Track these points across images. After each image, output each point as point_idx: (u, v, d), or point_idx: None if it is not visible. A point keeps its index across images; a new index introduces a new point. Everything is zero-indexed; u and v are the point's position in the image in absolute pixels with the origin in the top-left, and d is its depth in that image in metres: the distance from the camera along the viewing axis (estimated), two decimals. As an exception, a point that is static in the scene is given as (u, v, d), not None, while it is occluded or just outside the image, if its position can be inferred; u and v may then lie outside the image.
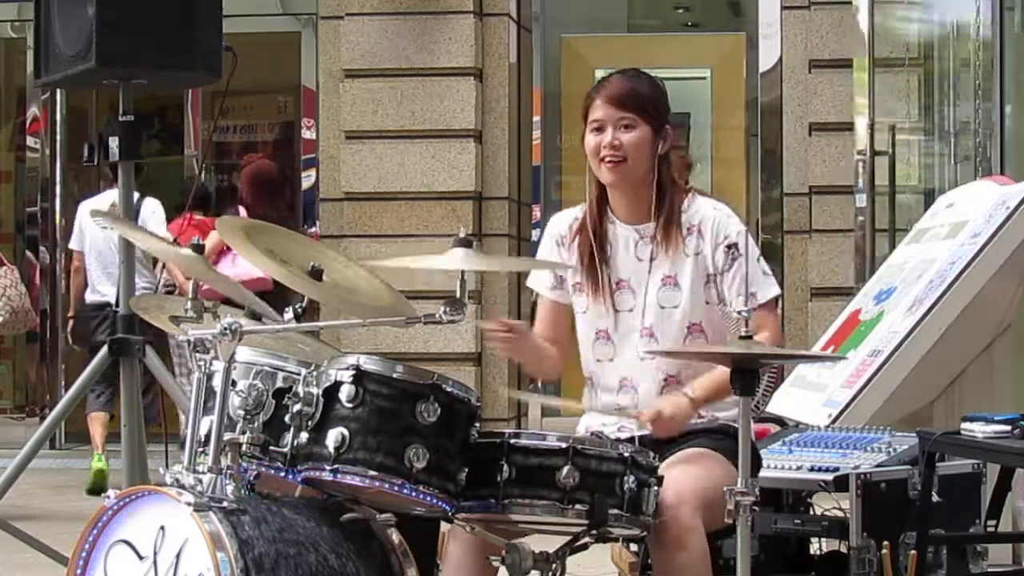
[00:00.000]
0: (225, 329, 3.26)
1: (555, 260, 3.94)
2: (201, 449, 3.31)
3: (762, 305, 3.82)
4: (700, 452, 3.70)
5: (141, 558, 3.18)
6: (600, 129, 3.83)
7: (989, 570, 4.44)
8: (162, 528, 3.16)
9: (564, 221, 3.99)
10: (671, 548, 3.50)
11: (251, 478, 3.36)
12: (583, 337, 3.95)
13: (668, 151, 3.88)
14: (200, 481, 3.22)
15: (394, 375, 3.30)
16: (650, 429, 3.73)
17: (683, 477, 3.58)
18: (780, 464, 4.37)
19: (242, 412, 3.32)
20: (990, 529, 4.34)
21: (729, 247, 3.80)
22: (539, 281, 4.01)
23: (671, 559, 3.51)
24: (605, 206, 3.92)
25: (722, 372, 3.64)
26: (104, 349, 5.14)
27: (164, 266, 7.85)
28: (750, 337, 3.39)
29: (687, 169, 3.98)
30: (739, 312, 3.44)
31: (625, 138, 3.81)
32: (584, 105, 3.90)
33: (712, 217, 3.85)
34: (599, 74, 10.58)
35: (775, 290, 3.87)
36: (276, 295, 6.04)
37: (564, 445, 3.37)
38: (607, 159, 3.82)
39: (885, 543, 4.04)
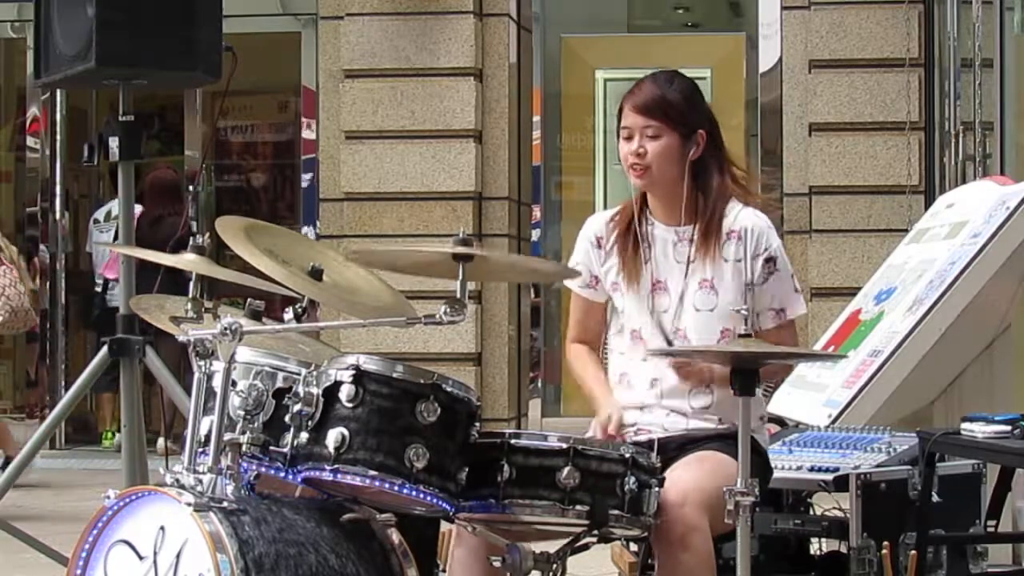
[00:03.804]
0: (225, 329, 3.26)
1: (590, 261, 3.96)
2: (201, 449, 3.31)
3: (788, 322, 3.88)
4: (710, 454, 3.71)
5: (141, 558, 3.18)
6: (629, 137, 3.87)
7: (989, 570, 4.44)
8: (162, 528, 3.16)
9: (600, 221, 4.01)
10: (675, 548, 3.50)
11: (251, 478, 3.36)
12: (615, 336, 3.97)
13: (705, 153, 3.88)
14: (200, 481, 3.22)
15: (394, 375, 3.30)
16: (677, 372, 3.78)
17: (689, 477, 3.58)
18: (780, 464, 4.37)
19: (242, 412, 3.32)
20: (990, 529, 4.34)
21: (767, 260, 3.83)
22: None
23: (675, 559, 3.51)
24: (645, 207, 3.94)
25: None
26: (104, 349, 5.14)
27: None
28: (749, 336, 3.40)
29: (751, 185, 4.00)
30: (738, 310, 3.44)
31: (650, 147, 3.85)
32: (619, 109, 3.95)
33: (753, 225, 3.86)
34: (599, 74, 10.69)
35: (802, 309, 3.93)
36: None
37: (565, 445, 3.37)
38: (633, 167, 3.86)
39: (885, 543, 4.04)
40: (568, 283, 4.07)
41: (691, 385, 3.82)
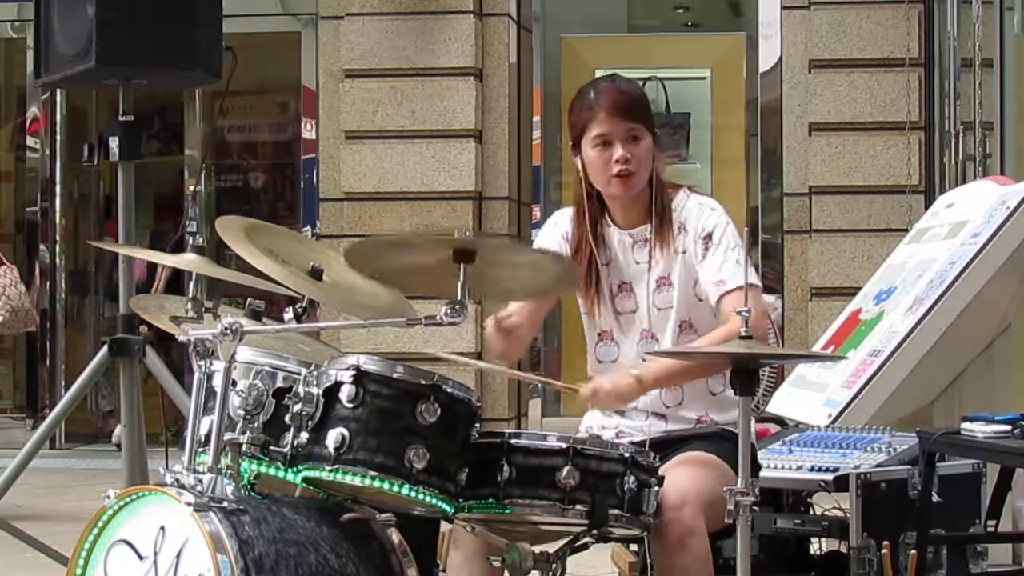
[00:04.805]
0: (226, 329, 3.26)
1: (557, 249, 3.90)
2: (201, 449, 3.31)
3: (729, 292, 3.74)
4: (699, 455, 3.71)
5: (141, 558, 3.18)
6: (607, 143, 3.78)
7: (989, 570, 4.43)
8: (162, 528, 3.16)
9: (566, 217, 3.98)
10: (673, 550, 3.50)
11: (251, 478, 3.36)
12: (587, 338, 3.96)
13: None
14: (200, 481, 3.22)
15: (394, 375, 3.30)
16: (590, 404, 3.74)
17: (685, 478, 3.58)
18: (780, 464, 4.37)
19: (242, 412, 3.32)
20: (990, 529, 4.33)
21: (705, 237, 3.79)
22: None
23: (673, 561, 3.51)
24: (601, 213, 3.90)
25: (677, 360, 3.67)
26: (104, 349, 5.14)
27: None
28: (750, 337, 3.39)
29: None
30: (739, 312, 3.43)
31: (634, 151, 3.78)
32: (582, 118, 3.82)
33: (695, 212, 3.84)
34: (599, 74, 10.62)
35: (740, 280, 3.70)
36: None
37: (564, 445, 3.37)
38: (620, 174, 3.77)
39: (885, 543, 4.04)
40: None
41: (618, 407, 3.77)
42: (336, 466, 3.24)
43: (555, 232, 3.98)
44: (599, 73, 11.63)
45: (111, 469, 8.36)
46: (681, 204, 3.86)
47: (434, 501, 3.28)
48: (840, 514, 4.28)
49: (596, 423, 3.92)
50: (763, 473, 3.97)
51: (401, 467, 3.24)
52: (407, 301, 3.66)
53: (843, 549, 4.25)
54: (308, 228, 9.85)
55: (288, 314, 3.65)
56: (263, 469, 3.33)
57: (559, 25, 10.56)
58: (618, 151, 3.77)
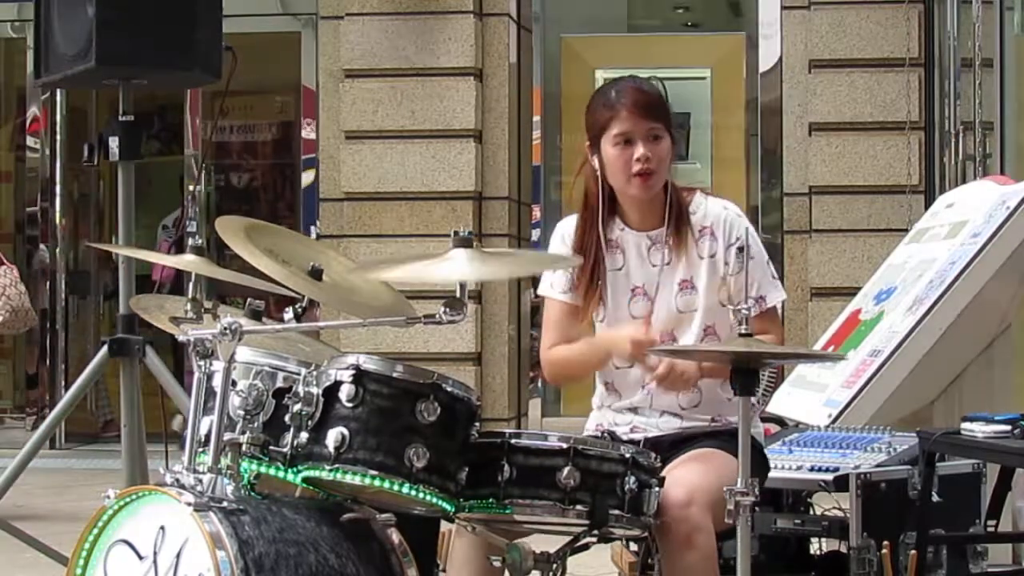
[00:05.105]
0: (225, 329, 3.26)
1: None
2: (201, 449, 3.31)
3: (770, 309, 3.82)
4: (710, 452, 3.71)
5: (141, 558, 3.18)
6: (629, 142, 3.77)
7: (989, 570, 4.44)
8: (162, 528, 3.16)
9: (571, 226, 3.95)
10: (680, 547, 3.50)
11: (251, 478, 3.36)
12: None
13: None
14: (200, 481, 3.22)
15: (394, 374, 3.30)
16: (656, 383, 3.72)
17: (693, 475, 3.58)
18: (780, 464, 4.37)
19: (242, 412, 3.32)
20: (990, 529, 4.34)
21: (739, 249, 3.79)
22: (551, 286, 3.96)
23: (680, 558, 3.50)
24: (611, 216, 3.89)
25: None
26: (104, 349, 5.14)
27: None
28: (750, 335, 3.39)
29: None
30: (738, 310, 3.43)
31: (655, 150, 3.77)
32: (603, 116, 3.80)
33: (723, 217, 3.83)
34: (599, 74, 10.66)
35: (781, 295, 3.89)
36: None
37: (565, 445, 3.37)
38: (642, 173, 3.76)
39: (885, 543, 4.04)
40: (547, 293, 3.96)
41: (679, 391, 3.78)
42: (336, 465, 3.24)
43: (562, 245, 3.92)
44: (599, 73, 11.60)
45: (111, 469, 8.36)
46: (701, 207, 3.85)
47: (434, 500, 3.28)
48: (840, 514, 4.28)
49: (608, 420, 3.90)
50: (763, 473, 3.98)
51: (401, 466, 3.24)
52: (407, 300, 3.66)
53: (843, 549, 4.26)
54: (312, 228, 9.86)
55: (288, 314, 3.65)
56: (263, 469, 3.33)
57: (559, 25, 10.57)
58: (639, 150, 3.76)
